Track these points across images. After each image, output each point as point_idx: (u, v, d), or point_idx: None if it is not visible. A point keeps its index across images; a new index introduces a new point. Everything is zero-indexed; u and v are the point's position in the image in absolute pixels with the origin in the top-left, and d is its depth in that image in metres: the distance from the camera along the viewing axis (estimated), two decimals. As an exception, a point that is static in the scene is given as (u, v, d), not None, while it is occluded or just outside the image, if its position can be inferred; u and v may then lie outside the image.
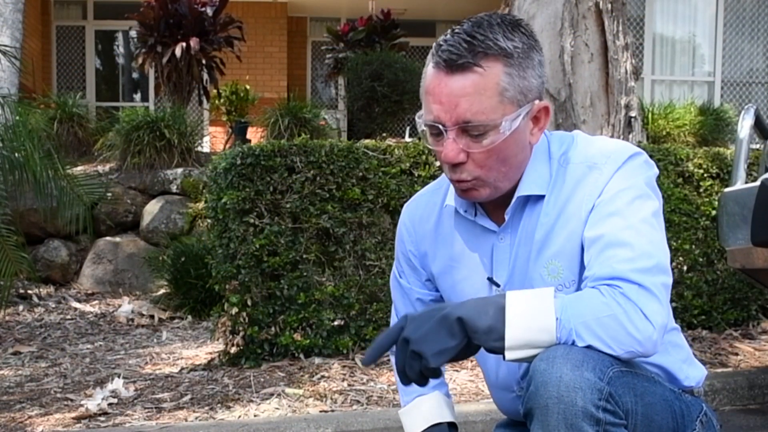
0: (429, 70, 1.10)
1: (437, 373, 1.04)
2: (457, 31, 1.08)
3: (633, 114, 3.09)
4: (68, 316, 4.37)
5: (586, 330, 0.98)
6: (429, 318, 1.03)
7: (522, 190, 1.13)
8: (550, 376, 0.96)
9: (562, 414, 0.95)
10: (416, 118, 1.14)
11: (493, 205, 1.18)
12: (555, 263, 1.12)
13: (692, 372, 1.20)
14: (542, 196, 1.13)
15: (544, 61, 1.13)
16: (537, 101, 1.10)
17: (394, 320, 1.37)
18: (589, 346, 0.98)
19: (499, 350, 1.01)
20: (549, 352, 0.99)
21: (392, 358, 1.37)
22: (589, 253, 1.07)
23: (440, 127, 1.08)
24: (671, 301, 1.25)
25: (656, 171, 1.14)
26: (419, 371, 1.03)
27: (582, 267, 1.10)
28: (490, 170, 1.10)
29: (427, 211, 1.27)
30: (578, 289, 1.10)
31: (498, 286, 1.18)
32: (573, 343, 0.99)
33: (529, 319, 0.99)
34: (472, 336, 1.01)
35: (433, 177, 2.95)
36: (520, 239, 1.16)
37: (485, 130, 1.07)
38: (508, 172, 1.11)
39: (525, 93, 1.09)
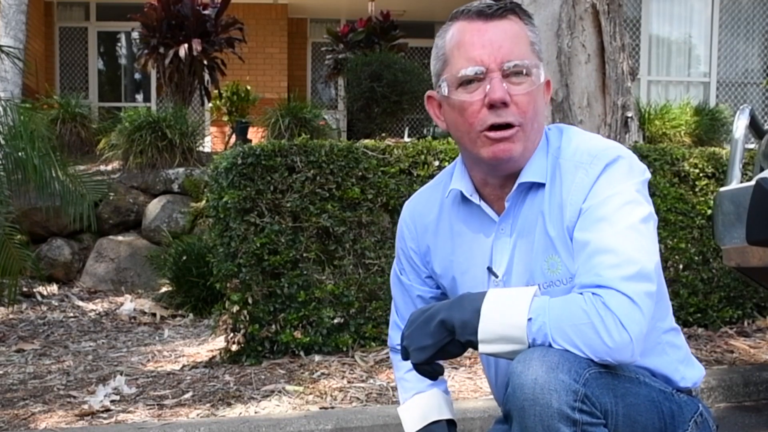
0: (457, 27, 1.14)
1: (432, 369, 1.09)
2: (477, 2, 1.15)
3: (629, 114, 3.12)
4: (71, 314, 4.40)
5: (561, 335, 1.00)
6: (419, 316, 1.08)
7: (523, 177, 1.14)
8: (526, 378, 0.98)
9: (538, 416, 0.97)
10: (440, 83, 1.15)
11: (495, 194, 1.19)
12: (555, 258, 1.13)
13: (689, 373, 1.21)
14: (542, 185, 1.15)
15: None
16: None
17: (393, 317, 1.39)
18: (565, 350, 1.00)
19: (474, 344, 1.03)
20: (526, 354, 1.00)
21: (392, 356, 1.40)
22: (578, 259, 1.08)
23: (483, 71, 1.10)
24: (669, 300, 1.26)
25: (647, 176, 1.15)
26: (413, 365, 1.09)
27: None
28: (528, 120, 1.12)
29: (428, 207, 1.28)
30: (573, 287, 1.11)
31: (496, 276, 1.18)
32: (550, 346, 1.00)
33: (502, 314, 1.02)
34: (454, 333, 1.04)
35: (432, 176, 2.96)
36: (521, 229, 1.16)
37: (525, 72, 1.11)
38: (538, 130, 1.15)
39: (541, 54, 1.16)
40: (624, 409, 1.04)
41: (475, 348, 1.04)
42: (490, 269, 1.19)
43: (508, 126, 1.10)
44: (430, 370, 1.09)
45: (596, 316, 0.99)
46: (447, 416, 1.30)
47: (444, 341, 1.05)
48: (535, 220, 1.15)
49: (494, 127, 1.11)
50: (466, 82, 1.11)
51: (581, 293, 1.03)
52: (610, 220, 1.07)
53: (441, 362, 1.14)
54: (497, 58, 1.10)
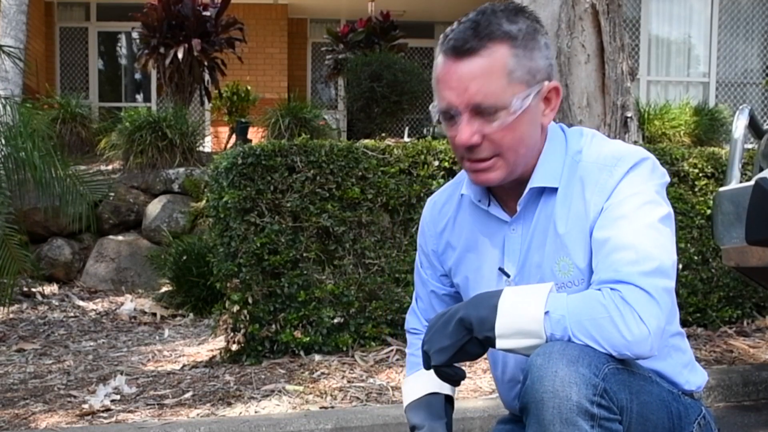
0: (438, 59, 1.14)
1: (454, 373, 1.09)
2: (462, 20, 1.13)
3: (629, 114, 3.12)
4: (71, 314, 4.41)
5: (580, 329, 1.01)
6: (437, 320, 1.09)
7: (535, 182, 1.15)
8: (546, 371, 0.98)
9: (557, 408, 0.97)
10: (430, 108, 1.17)
11: (507, 195, 1.19)
12: (566, 260, 1.13)
13: (693, 377, 1.21)
14: (555, 189, 1.15)
15: (550, 44, 1.15)
16: (547, 82, 1.12)
17: (413, 303, 1.42)
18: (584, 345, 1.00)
19: (492, 340, 1.04)
20: (546, 347, 1.01)
21: (408, 336, 1.43)
22: (596, 257, 1.09)
23: (453, 111, 1.11)
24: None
25: (667, 179, 1.15)
26: (435, 370, 1.09)
27: (591, 266, 1.11)
28: (507, 150, 1.11)
29: (448, 205, 1.30)
30: (588, 288, 1.12)
31: (508, 276, 1.20)
32: (569, 341, 1.01)
33: (519, 308, 1.02)
34: (473, 331, 1.04)
35: (432, 176, 2.98)
36: (533, 231, 1.17)
37: (496, 110, 1.09)
38: (525, 153, 1.14)
39: (533, 73, 1.11)
40: (638, 406, 1.04)
41: (493, 345, 1.04)
42: (501, 269, 1.20)
43: (481, 160, 1.12)
44: (451, 373, 1.09)
45: (615, 310, 1.00)
46: (446, 391, 1.31)
47: (463, 340, 1.05)
48: (547, 222, 1.16)
49: (471, 159, 1.13)
50: (446, 117, 1.13)
51: (599, 289, 1.04)
52: (629, 218, 1.08)
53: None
54: (463, 100, 1.09)
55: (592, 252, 1.11)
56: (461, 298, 1.32)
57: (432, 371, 1.11)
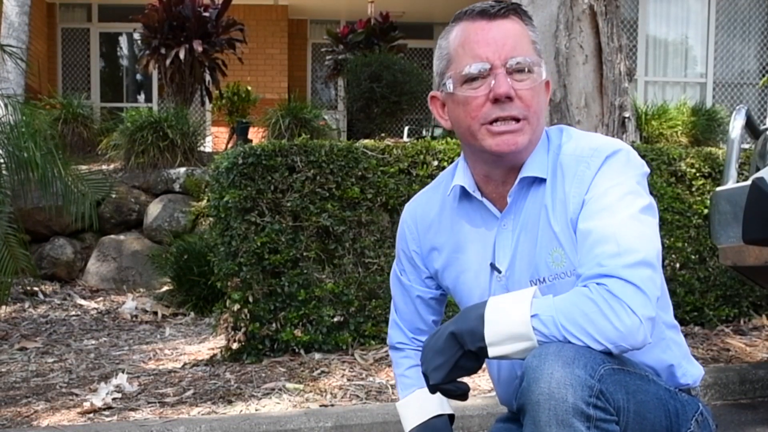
0: (461, 27, 1.16)
1: (456, 388, 1.09)
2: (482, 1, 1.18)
3: (627, 114, 3.14)
4: (73, 313, 4.42)
5: (573, 325, 1.01)
6: (430, 340, 1.10)
7: (525, 172, 1.16)
8: (541, 372, 0.98)
9: (553, 410, 0.97)
10: (445, 81, 1.17)
11: (497, 192, 1.20)
12: (559, 251, 1.14)
13: (691, 369, 1.22)
14: (544, 180, 1.16)
15: None
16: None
17: (393, 316, 1.40)
18: (580, 344, 1.01)
19: (484, 350, 1.05)
20: (541, 349, 1.01)
21: (392, 353, 1.41)
22: (580, 250, 1.10)
23: (486, 70, 1.13)
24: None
25: (646, 169, 1.17)
26: (438, 389, 1.10)
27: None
28: (533, 114, 1.14)
29: (429, 207, 1.30)
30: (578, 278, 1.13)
31: (500, 272, 1.20)
32: (563, 341, 1.01)
33: (505, 313, 1.03)
34: (464, 344, 1.05)
35: (431, 176, 3.00)
36: (523, 224, 1.18)
37: (529, 68, 1.14)
38: (541, 126, 1.18)
39: (542, 54, 1.19)
40: (635, 406, 1.05)
41: (487, 354, 1.05)
42: (492, 265, 1.20)
43: (513, 120, 1.13)
44: (453, 389, 1.10)
45: (604, 303, 1.01)
46: (448, 411, 1.31)
47: (456, 355, 1.06)
48: (537, 214, 1.17)
49: (498, 120, 1.13)
50: (470, 80, 1.13)
51: (585, 285, 1.05)
52: (611, 210, 1.09)
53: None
54: (501, 55, 1.12)
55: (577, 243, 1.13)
56: (446, 300, 1.33)
57: (433, 392, 1.10)
